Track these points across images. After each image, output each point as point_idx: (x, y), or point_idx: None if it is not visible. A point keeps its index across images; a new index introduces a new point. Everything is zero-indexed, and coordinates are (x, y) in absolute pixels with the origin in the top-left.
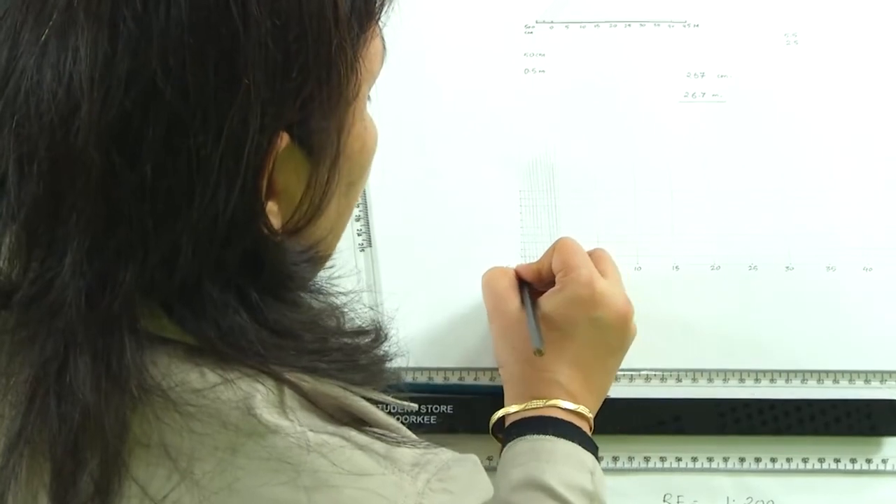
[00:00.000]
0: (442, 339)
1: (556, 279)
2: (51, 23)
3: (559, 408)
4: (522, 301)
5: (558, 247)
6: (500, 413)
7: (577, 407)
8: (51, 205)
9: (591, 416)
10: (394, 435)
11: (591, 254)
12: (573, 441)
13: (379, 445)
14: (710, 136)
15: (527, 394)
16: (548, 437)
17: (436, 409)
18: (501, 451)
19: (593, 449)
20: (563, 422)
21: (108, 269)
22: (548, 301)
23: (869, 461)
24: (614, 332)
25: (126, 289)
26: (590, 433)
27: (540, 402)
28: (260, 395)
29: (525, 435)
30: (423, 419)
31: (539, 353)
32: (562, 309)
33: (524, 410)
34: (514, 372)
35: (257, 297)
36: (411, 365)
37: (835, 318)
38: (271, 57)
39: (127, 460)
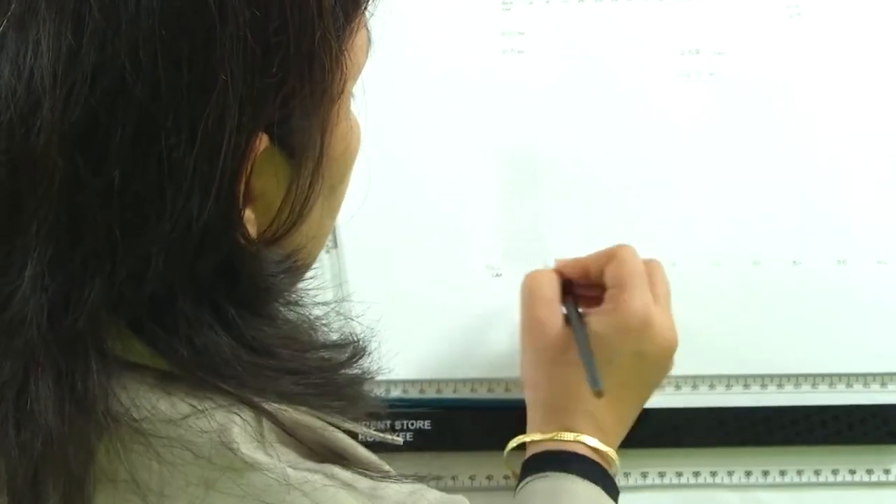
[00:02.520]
0: (416, 348)
1: (607, 295)
2: (9, 13)
3: (586, 445)
4: (568, 320)
5: (617, 256)
6: (519, 440)
7: (608, 450)
8: (9, 213)
9: (616, 458)
10: (374, 474)
11: (644, 264)
12: (597, 484)
13: (363, 484)
14: (707, 119)
15: (556, 423)
16: (570, 476)
17: (412, 425)
18: (518, 485)
19: (615, 494)
20: (590, 461)
21: (72, 283)
22: (595, 320)
23: (887, 471)
24: (657, 367)
25: (91, 304)
26: (614, 474)
27: (569, 436)
28: (237, 427)
29: (545, 471)
30: (398, 437)
31: (600, 394)
32: (610, 335)
33: (549, 441)
34: (546, 398)
35: (233, 311)
36: (383, 377)
37: (846, 316)
38: (249, 50)
39: (91, 495)
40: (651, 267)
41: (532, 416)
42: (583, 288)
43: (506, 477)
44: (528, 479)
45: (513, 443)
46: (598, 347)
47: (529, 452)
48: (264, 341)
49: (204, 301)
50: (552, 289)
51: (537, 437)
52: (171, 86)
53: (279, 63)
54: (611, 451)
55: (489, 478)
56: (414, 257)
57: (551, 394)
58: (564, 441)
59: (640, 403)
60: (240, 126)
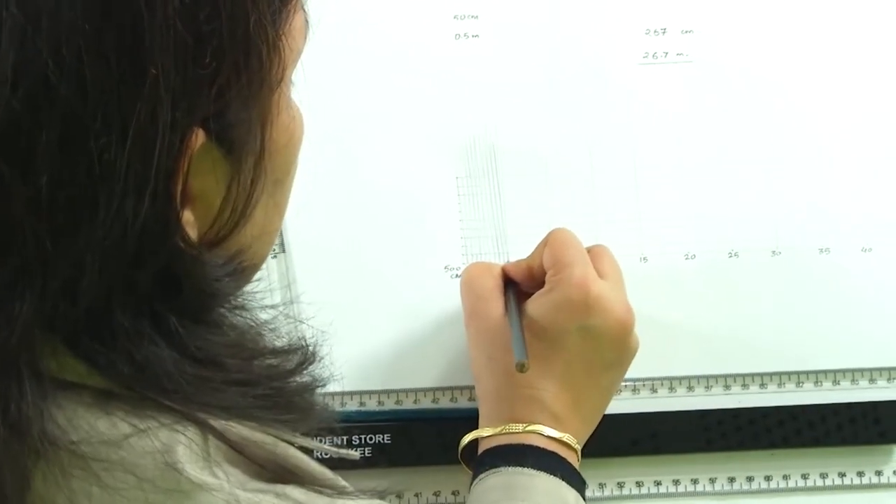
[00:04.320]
0: (372, 357)
1: (546, 278)
2: None
3: (541, 435)
4: (507, 305)
5: (550, 240)
6: (470, 436)
7: (562, 436)
8: None
9: (578, 446)
10: (329, 491)
11: (589, 250)
12: (555, 475)
13: (318, 502)
14: (677, 103)
15: (504, 414)
16: (525, 469)
17: (370, 439)
18: (471, 483)
19: (579, 484)
20: (545, 451)
21: (2, 299)
22: (534, 304)
23: (879, 473)
24: (610, 343)
25: (23, 321)
26: (577, 463)
27: (518, 427)
28: (182, 446)
29: (499, 467)
30: (354, 452)
31: (522, 367)
32: (550, 314)
33: (500, 435)
34: (491, 388)
35: (175, 321)
36: (338, 389)
37: (831, 308)
38: (180, 40)
39: None
40: (596, 250)
41: (482, 410)
42: (531, 289)
43: None
44: (480, 475)
45: (465, 440)
46: (539, 330)
47: (482, 448)
48: (209, 351)
49: (144, 312)
50: (491, 279)
51: (487, 431)
52: (98, 83)
53: (213, 52)
54: (566, 437)
55: (455, 493)
56: (367, 259)
57: (495, 384)
58: (514, 433)
59: (601, 387)
60: (174, 122)
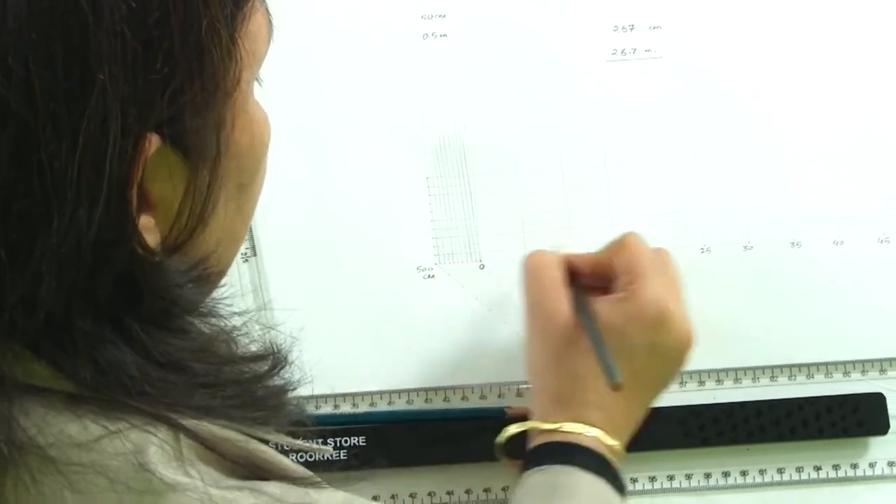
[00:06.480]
0: (345, 359)
1: (620, 283)
2: None
3: (594, 437)
4: (576, 307)
5: (626, 244)
6: (523, 426)
7: (614, 443)
8: None
9: (624, 454)
10: (304, 483)
11: (653, 253)
12: (602, 478)
13: (293, 497)
14: (647, 100)
15: (563, 414)
16: (573, 468)
17: (345, 442)
18: (521, 475)
19: (622, 489)
20: (595, 453)
21: None
22: (606, 309)
23: (854, 466)
24: (671, 363)
25: None
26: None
27: (577, 427)
28: (154, 447)
29: (544, 464)
30: (327, 448)
31: (618, 387)
32: (622, 323)
33: (554, 432)
34: (551, 386)
35: (138, 326)
36: (311, 392)
37: (804, 302)
38: (129, 47)
39: None
40: (660, 255)
41: (537, 403)
42: (589, 280)
43: (449, 492)
44: (527, 472)
45: (507, 432)
46: (609, 337)
47: (533, 442)
48: (174, 356)
49: (104, 318)
50: (558, 271)
51: (541, 425)
52: (46, 93)
53: (163, 58)
54: (618, 446)
55: (431, 494)
56: (339, 261)
57: (559, 383)
58: (569, 433)
59: (649, 401)
60: (125, 129)
